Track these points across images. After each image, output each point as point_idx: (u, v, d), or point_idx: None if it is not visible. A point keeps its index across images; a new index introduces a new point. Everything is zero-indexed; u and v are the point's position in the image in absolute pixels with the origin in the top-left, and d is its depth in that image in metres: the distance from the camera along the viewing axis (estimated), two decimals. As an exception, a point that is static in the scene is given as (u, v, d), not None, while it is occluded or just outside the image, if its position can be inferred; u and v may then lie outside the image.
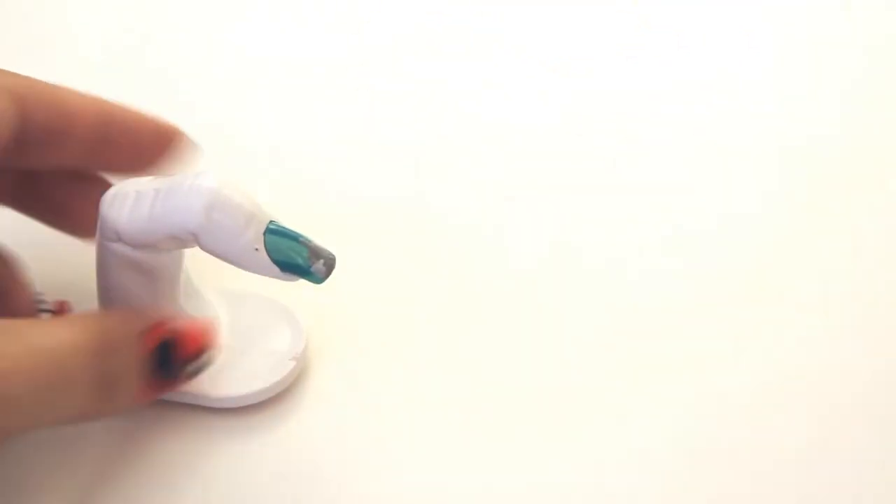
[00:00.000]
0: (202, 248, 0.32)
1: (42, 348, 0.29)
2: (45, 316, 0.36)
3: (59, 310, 0.36)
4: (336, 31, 0.53)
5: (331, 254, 0.33)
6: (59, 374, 0.29)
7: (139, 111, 0.36)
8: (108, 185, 0.33)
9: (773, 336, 0.37)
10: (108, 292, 0.34)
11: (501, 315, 0.39)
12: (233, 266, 0.32)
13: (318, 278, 0.32)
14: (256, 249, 0.32)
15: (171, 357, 0.32)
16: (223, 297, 0.37)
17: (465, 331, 0.38)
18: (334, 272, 0.33)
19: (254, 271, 0.32)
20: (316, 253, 0.32)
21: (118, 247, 0.33)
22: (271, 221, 0.32)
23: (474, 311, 0.39)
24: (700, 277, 0.39)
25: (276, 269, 0.32)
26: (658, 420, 0.35)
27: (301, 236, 0.32)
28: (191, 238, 0.32)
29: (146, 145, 0.35)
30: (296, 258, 0.32)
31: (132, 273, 0.33)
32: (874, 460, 0.34)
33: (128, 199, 0.33)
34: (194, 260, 0.35)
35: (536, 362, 0.37)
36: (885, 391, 0.35)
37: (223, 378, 0.36)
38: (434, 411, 0.36)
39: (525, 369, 0.37)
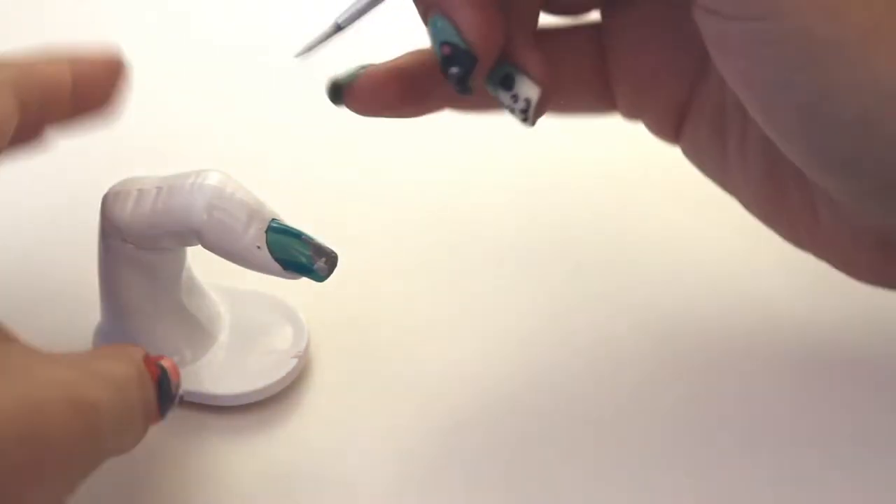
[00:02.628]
0: (204, 245, 0.32)
1: (114, 381, 0.29)
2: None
3: None
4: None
5: (333, 252, 0.33)
6: (126, 407, 0.30)
7: (85, 51, 0.34)
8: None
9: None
10: (110, 290, 0.34)
11: (503, 314, 0.39)
12: (235, 264, 0.32)
13: (320, 276, 0.32)
14: (258, 247, 0.32)
15: (168, 384, 0.32)
16: (225, 295, 0.37)
17: (466, 329, 0.38)
18: (336, 270, 0.33)
19: (256, 269, 0.32)
20: (318, 251, 0.32)
21: (120, 244, 0.33)
22: (273, 219, 0.32)
23: (476, 310, 0.39)
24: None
25: (278, 267, 0.32)
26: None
27: (303, 234, 0.32)
28: (193, 236, 0.32)
29: (104, 87, 0.34)
30: (298, 256, 0.32)
31: (134, 271, 0.33)
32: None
33: (130, 196, 0.33)
34: (197, 258, 0.35)
35: (537, 361, 0.37)
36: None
37: (225, 376, 0.36)
38: (436, 410, 0.36)
39: (526, 367, 0.37)
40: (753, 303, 0.38)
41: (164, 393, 0.32)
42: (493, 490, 0.34)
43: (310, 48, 0.34)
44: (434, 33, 0.32)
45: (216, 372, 0.36)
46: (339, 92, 0.34)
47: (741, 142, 0.35)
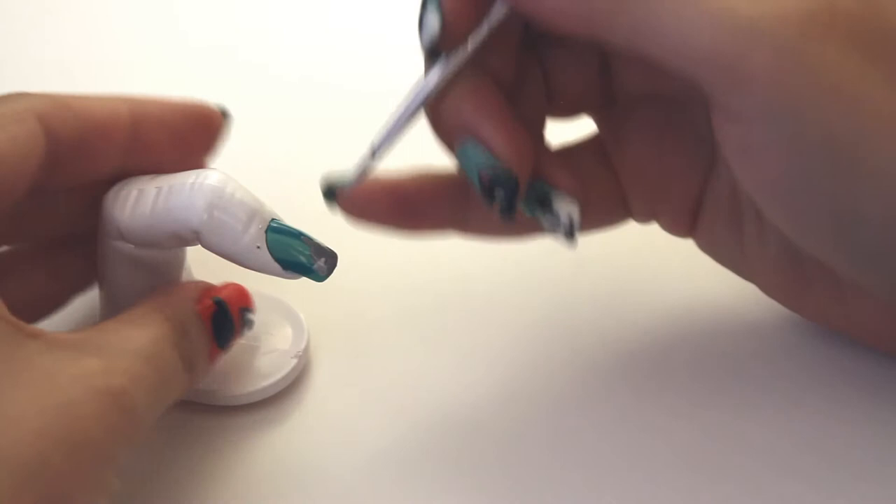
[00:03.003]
0: (204, 245, 0.32)
1: (140, 353, 0.30)
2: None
3: None
4: (334, 26, 0.54)
5: (332, 252, 0.33)
6: (161, 372, 0.30)
7: (169, 100, 0.35)
8: None
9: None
10: (110, 289, 0.34)
11: (504, 314, 0.39)
12: (235, 264, 0.32)
13: (319, 276, 0.32)
14: (258, 247, 0.32)
15: (226, 316, 0.33)
16: (225, 295, 0.37)
17: (466, 329, 0.38)
18: (336, 269, 0.33)
19: (256, 269, 0.32)
20: (318, 251, 0.32)
21: (120, 244, 0.33)
22: (273, 219, 0.32)
23: (476, 310, 0.39)
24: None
25: (277, 267, 0.32)
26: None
27: (303, 234, 0.32)
28: (193, 236, 0.32)
29: (182, 136, 0.34)
30: (297, 256, 0.32)
31: (134, 270, 0.33)
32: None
33: (130, 196, 0.33)
34: (197, 258, 0.35)
35: (536, 363, 0.37)
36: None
37: (225, 376, 0.36)
38: (436, 410, 0.36)
39: (526, 368, 0.37)
40: (752, 307, 0.38)
41: (219, 328, 0.33)
42: (491, 489, 0.34)
43: (354, 181, 0.33)
44: (466, 162, 0.32)
45: (215, 371, 0.36)
46: (333, 193, 0.34)
47: (758, 229, 0.34)
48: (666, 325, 0.38)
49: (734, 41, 0.28)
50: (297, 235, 0.32)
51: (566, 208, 0.33)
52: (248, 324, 0.34)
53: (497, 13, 0.31)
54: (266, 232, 0.32)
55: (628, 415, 0.35)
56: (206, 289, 0.33)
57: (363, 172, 0.33)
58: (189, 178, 0.32)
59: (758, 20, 0.28)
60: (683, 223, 0.36)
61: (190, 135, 0.35)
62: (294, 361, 0.36)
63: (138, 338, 0.30)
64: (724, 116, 0.30)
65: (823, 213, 0.30)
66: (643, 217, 0.36)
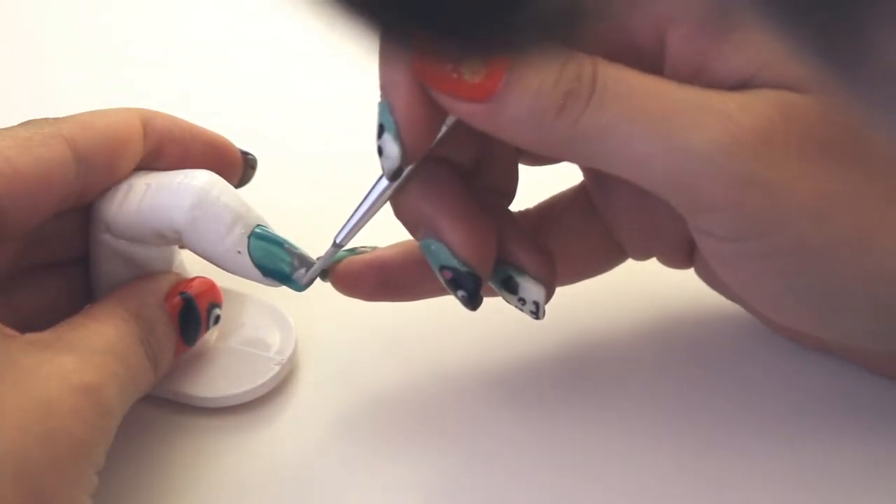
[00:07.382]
0: (186, 246, 0.32)
1: (109, 350, 0.30)
2: None
3: None
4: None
5: (315, 262, 0.33)
6: (130, 368, 0.31)
7: (195, 127, 0.35)
8: None
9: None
10: (99, 282, 0.34)
11: (495, 322, 0.38)
12: (217, 267, 0.32)
13: (298, 286, 0.32)
14: (239, 252, 0.32)
15: (193, 313, 0.33)
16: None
17: (456, 335, 0.38)
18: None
19: (236, 273, 0.32)
20: (301, 260, 0.32)
21: (108, 238, 0.33)
22: (258, 225, 0.32)
23: (465, 316, 0.38)
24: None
25: (257, 273, 0.32)
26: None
27: (286, 242, 0.32)
28: (175, 235, 0.32)
29: (197, 163, 0.34)
30: (278, 264, 0.32)
31: (121, 265, 0.34)
32: None
33: (120, 190, 0.33)
34: (191, 257, 0.35)
35: (528, 363, 0.37)
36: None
37: (212, 377, 0.35)
38: (422, 414, 0.36)
39: (514, 373, 0.37)
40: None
41: (186, 324, 0.33)
42: (479, 494, 0.33)
43: (314, 274, 0.33)
44: (429, 257, 0.31)
45: (203, 373, 0.35)
46: (325, 272, 0.34)
47: None
48: (665, 324, 0.38)
49: (690, 173, 0.28)
50: (281, 243, 0.32)
51: (532, 292, 0.32)
52: (215, 319, 0.34)
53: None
54: (249, 237, 0.32)
55: (626, 418, 0.35)
56: (175, 284, 0.33)
57: (327, 264, 0.33)
58: (178, 177, 0.32)
59: (711, 149, 0.27)
60: (680, 259, 0.35)
61: (205, 165, 0.34)
62: (281, 366, 0.36)
63: (107, 334, 0.30)
64: (695, 229, 0.30)
65: (804, 308, 0.30)
66: (640, 257, 0.36)
